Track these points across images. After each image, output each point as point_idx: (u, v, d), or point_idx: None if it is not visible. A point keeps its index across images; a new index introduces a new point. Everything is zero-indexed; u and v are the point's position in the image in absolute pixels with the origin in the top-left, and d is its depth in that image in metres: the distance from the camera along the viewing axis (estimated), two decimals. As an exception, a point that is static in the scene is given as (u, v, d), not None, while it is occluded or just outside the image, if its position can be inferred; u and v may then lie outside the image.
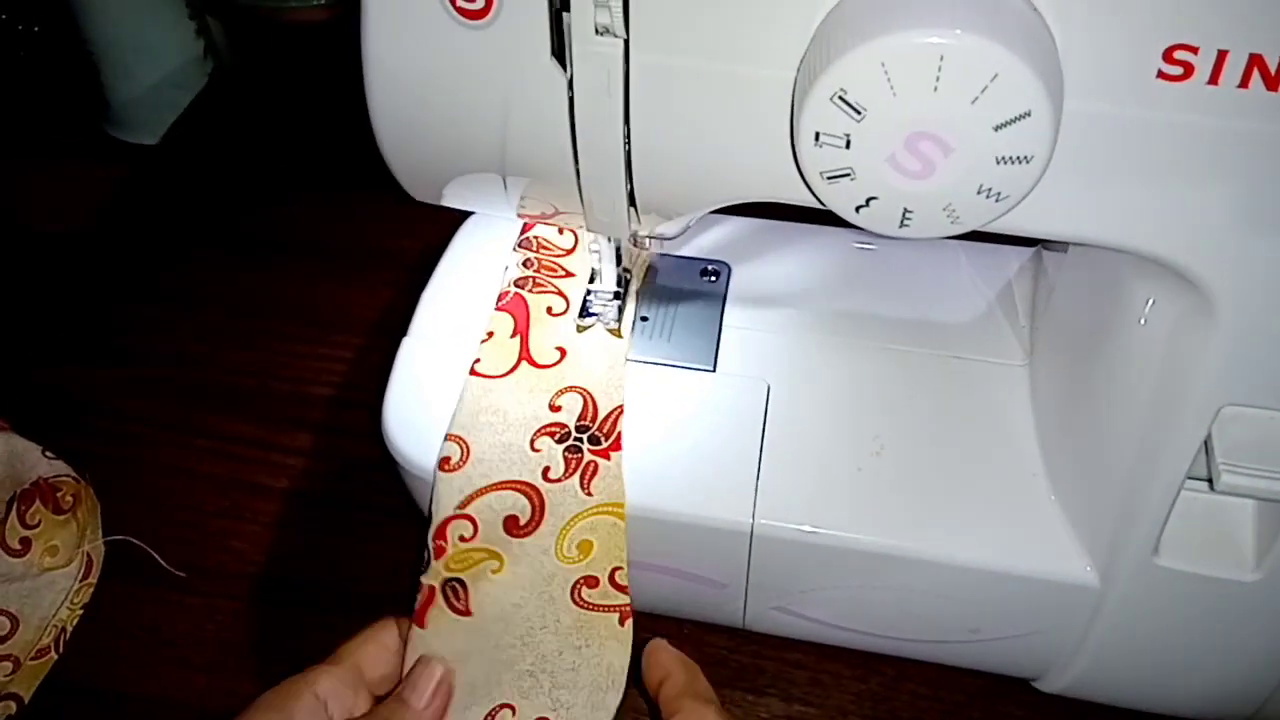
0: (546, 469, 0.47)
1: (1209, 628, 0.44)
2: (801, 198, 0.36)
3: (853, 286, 0.54)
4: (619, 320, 0.52)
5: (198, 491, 0.59)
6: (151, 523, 0.56)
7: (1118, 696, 0.48)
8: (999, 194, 0.32)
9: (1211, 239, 0.35)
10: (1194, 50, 0.31)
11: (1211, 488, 0.39)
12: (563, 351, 0.50)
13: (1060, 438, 0.46)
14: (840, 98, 0.31)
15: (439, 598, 0.44)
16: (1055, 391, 0.47)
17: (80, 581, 0.54)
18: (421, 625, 0.44)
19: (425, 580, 0.45)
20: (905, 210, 0.33)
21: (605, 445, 0.47)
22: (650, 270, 0.55)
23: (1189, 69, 0.31)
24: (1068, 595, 0.44)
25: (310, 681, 0.40)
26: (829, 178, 0.33)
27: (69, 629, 0.53)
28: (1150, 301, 0.39)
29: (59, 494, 0.55)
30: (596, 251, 0.51)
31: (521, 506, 0.46)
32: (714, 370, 0.51)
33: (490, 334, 0.51)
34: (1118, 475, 0.42)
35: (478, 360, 0.50)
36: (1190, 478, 0.40)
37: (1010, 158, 0.31)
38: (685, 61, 0.35)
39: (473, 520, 0.46)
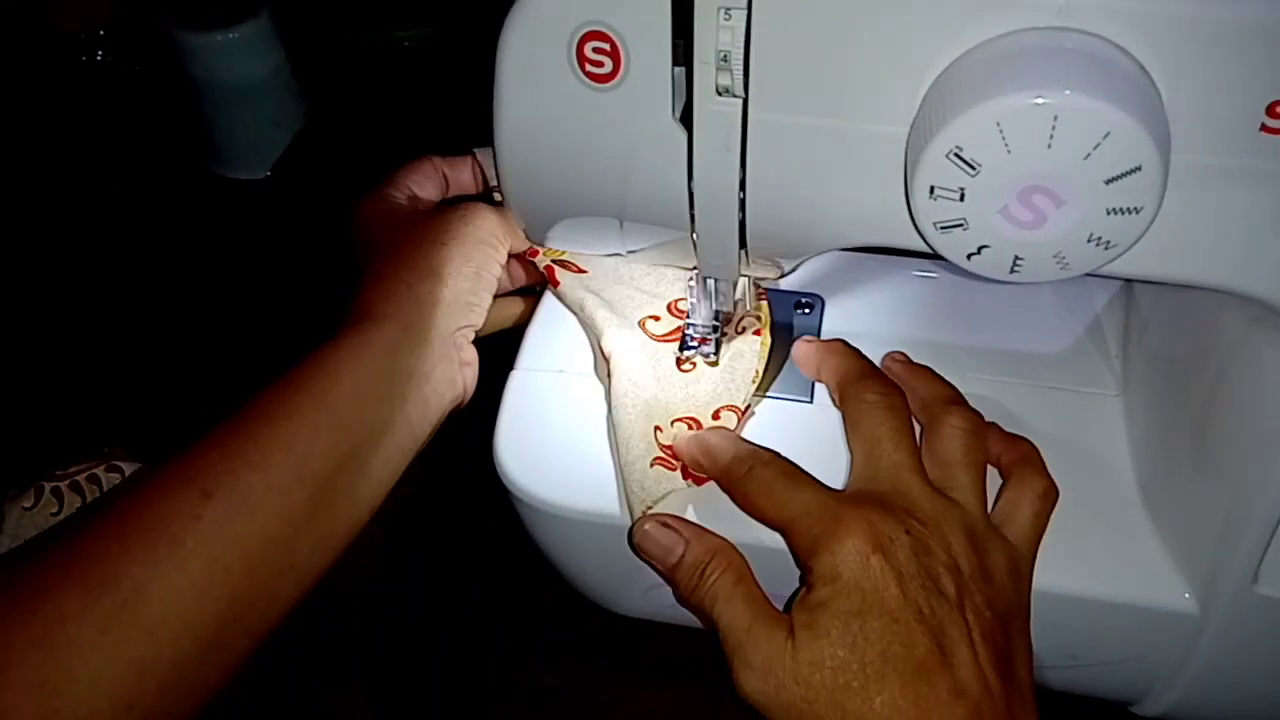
0: None
1: (1310, 654, 0.45)
2: (910, 244, 0.38)
3: (944, 319, 0.56)
4: (717, 353, 0.53)
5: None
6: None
7: (1217, 721, 0.49)
8: (1108, 242, 0.34)
9: (1314, 281, 0.36)
10: (1297, 105, 0.32)
11: (1313, 518, 0.40)
12: None
13: (1158, 467, 0.47)
14: (956, 154, 0.33)
15: (557, 269, 0.54)
16: (1152, 422, 0.48)
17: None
18: (555, 284, 0.54)
19: (537, 263, 0.54)
20: (1016, 258, 0.35)
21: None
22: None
23: (1292, 122, 0.33)
24: (1167, 622, 0.45)
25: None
26: (942, 228, 0.35)
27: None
28: (1249, 338, 0.40)
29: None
30: (693, 287, 0.53)
31: None
32: (811, 401, 0.52)
33: None
34: (1217, 505, 0.43)
35: None
36: (1291, 508, 0.41)
37: (1120, 209, 0.33)
38: (799, 119, 0.37)
39: None
